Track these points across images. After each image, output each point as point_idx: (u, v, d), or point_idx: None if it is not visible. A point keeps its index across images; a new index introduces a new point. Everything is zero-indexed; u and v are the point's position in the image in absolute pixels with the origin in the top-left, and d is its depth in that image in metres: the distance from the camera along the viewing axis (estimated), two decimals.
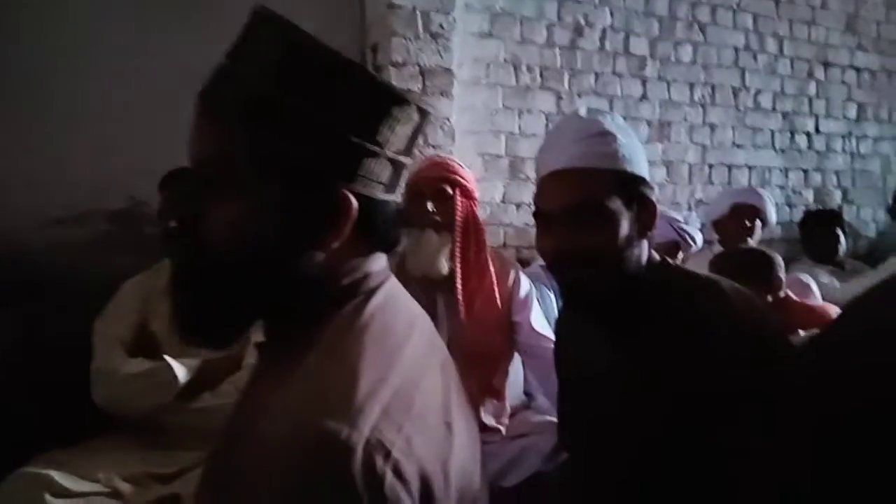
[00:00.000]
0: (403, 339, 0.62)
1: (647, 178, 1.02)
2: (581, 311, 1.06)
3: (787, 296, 1.88)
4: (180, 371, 1.54)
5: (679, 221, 2.31)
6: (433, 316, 1.74)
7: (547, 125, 2.66)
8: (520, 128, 2.61)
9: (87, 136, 1.95)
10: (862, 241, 3.51)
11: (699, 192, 3.04)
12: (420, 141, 2.10)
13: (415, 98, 0.63)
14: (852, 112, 3.46)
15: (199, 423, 1.54)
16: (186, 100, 0.62)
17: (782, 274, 1.86)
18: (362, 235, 0.62)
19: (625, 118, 2.84)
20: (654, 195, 1.03)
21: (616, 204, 0.96)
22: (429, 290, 1.72)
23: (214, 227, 0.58)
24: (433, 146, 2.22)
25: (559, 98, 2.69)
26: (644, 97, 2.88)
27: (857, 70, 3.45)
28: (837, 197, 3.46)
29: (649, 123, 2.90)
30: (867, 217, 3.56)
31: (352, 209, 0.59)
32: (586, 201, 0.96)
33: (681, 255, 2.38)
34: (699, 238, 2.39)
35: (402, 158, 0.64)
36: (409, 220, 1.74)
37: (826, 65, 3.35)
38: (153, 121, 1.82)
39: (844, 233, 2.88)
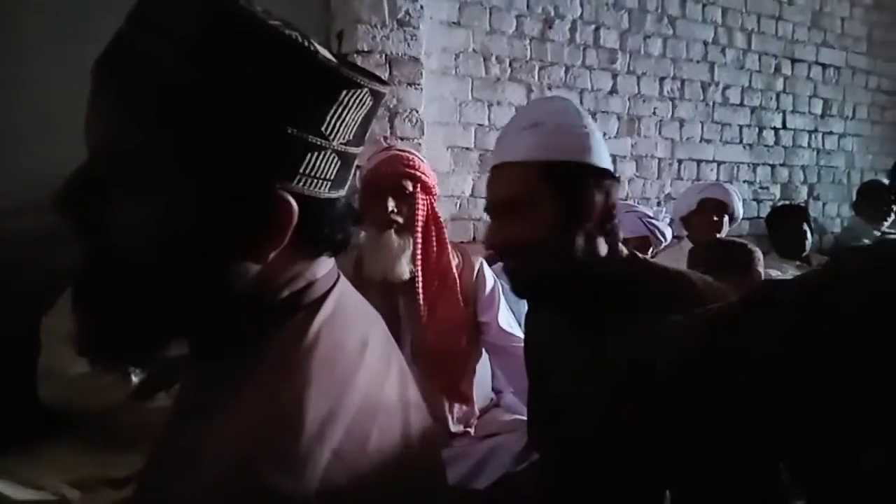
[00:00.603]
0: (356, 360, 0.53)
1: (599, 163, 0.98)
2: (528, 300, 1.08)
3: None
4: (133, 370, 1.47)
5: (648, 216, 2.29)
6: (395, 320, 1.68)
7: None
8: (489, 120, 2.56)
9: (25, 122, 1.83)
10: (827, 237, 3.55)
11: (668, 187, 3.03)
12: (375, 128, 2.07)
13: (366, 79, 0.52)
14: (818, 108, 3.50)
15: (154, 423, 1.47)
16: None
17: (761, 268, 1.85)
18: (304, 239, 0.53)
19: (595, 112, 2.81)
20: (605, 183, 0.98)
21: (544, 195, 0.95)
22: (389, 293, 1.66)
23: (116, 231, 0.48)
24: (401, 138, 2.15)
25: (529, 90, 2.65)
26: (614, 91, 2.85)
27: (823, 66, 3.49)
28: (804, 192, 3.49)
29: (619, 117, 2.88)
30: (832, 212, 3.61)
31: (292, 214, 0.49)
32: (512, 195, 0.97)
33: (651, 250, 2.36)
34: (668, 233, 2.37)
35: (352, 149, 0.54)
36: (366, 219, 1.67)
37: (793, 61, 3.38)
38: None
39: (811, 228, 2.91)
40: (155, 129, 0.46)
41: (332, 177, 0.53)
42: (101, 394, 1.46)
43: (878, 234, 3.15)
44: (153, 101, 0.45)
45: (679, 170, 3.06)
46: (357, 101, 0.52)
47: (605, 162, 0.99)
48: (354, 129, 0.54)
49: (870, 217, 3.21)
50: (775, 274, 2.24)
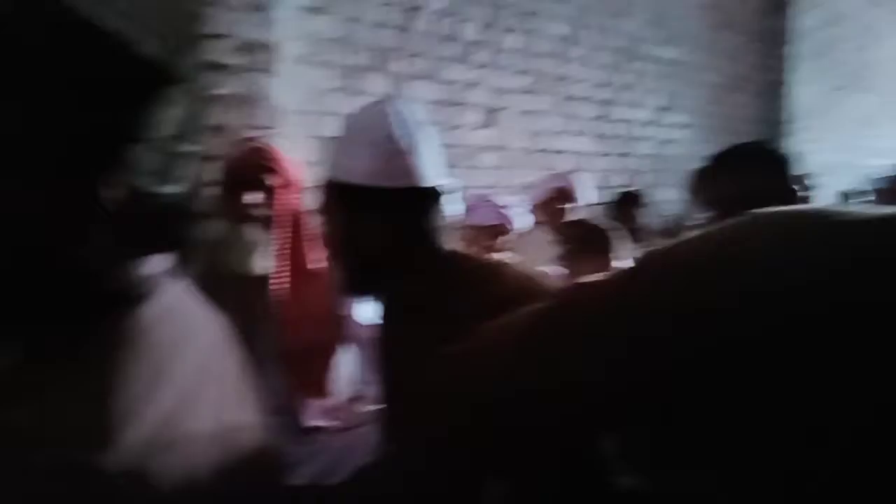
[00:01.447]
0: (173, 356, 0.55)
1: (429, 183, 1.04)
2: (349, 296, 1.19)
3: None
4: None
5: (501, 206, 2.43)
6: (252, 314, 1.66)
7: None
8: (353, 110, 2.55)
9: None
10: (665, 220, 3.93)
11: (527, 176, 3.20)
12: (232, 119, 2.01)
13: (186, 73, 0.55)
14: (661, 101, 3.83)
15: None
16: None
17: (619, 250, 2.04)
18: (133, 234, 0.53)
19: (457, 104, 2.88)
20: (436, 200, 1.05)
21: (374, 217, 1.01)
22: (247, 286, 1.64)
23: None
24: (258, 128, 2.10)
25: (394, 80, 2.67)
26: (476, 83, 2.95)
27: (665, 62, 3.81)
28: (648, 179, 3.82)
29: (480, 109, 2.98)
30: (669, 198, 3.99)
31: (109, 206, 0.50)
32: (330, 203, 1.04)
33: (504, 238, 2.50)
34: (523, 221, 2.52)
35: (178, 146, 0.55)
36: (224, 212, 1.64)
37: (638, 57, 3.66)
38: None
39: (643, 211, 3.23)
40: None
41: (157, 171, 0.53)
42: None
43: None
44: None
45: (537, 160, 3.24)
46: (174, 96, 0.53)
47: (434, 178, 1.04)
48: (176, 125, 0.54)
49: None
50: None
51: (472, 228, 2.44)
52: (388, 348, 1.21)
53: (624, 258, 2.23)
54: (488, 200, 2.44)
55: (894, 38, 5.35)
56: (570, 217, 2.72)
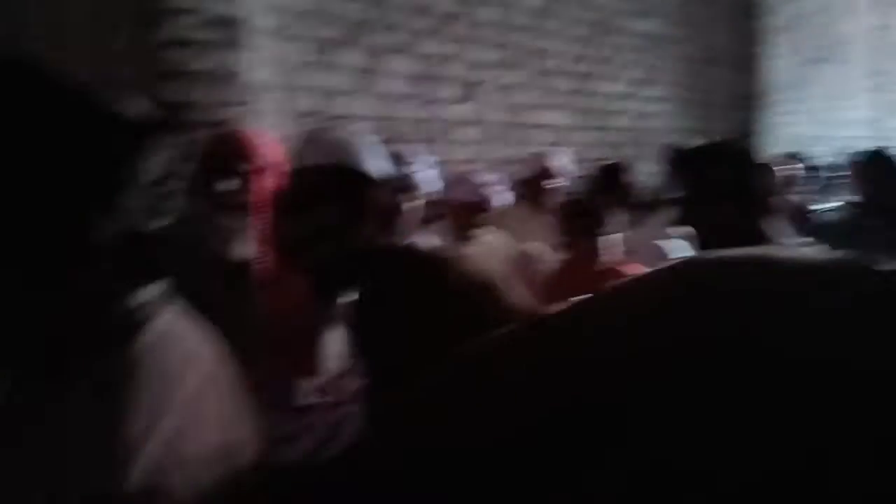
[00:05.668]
0: (176, 382, 0.59)
1: (370, 172, 1.14)
2: (316, 291, 1.24)
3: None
4: None
5: (480, 183, 2.41)
6: (237, 300, 1.65)
7: (359, 82, 2.60)
8: (332, 84, 2.52)
9: None
10: (643, 194, 3.95)
11: (506, 150, 3.19)
12: (201, 97, 1.95)
13: (165, 124, 0.61)
14: (638, 73, 3.82)
15: None
16: None
17: (609, 231, 2.06)
18: (128, 267, 0.60)
19: (435, 78, 2.86)
20: (378, 185, 1.16)
21: (318, 196, 1.11)
22: (229, 273, 1.62)
23: None
24: (228, 104, 2.05)
25: (371, 55, 2.63)
26: (454, 57, 2.92)
27: (641, 35, 3.80)
28: (625, 153, 3.83)
29: (459, 83, 2.95)
30: (647, 171, 4.01)
31: (104, 247, 0.57)
32: (291, 195, 1.16)
33: (483, 214, 2.49)
34: (503, 197, 2.51)
35: (164, 185, 0.62)
36: (200, 199, 1.61)
37: (614, 30, 3.64)
38: None
39: (626, 184, 3.24)
40: None
41: (147, 209, 0.60)
42: None
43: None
44: None
45: (515, 134, 3.22)
46: (157, 144, 0.59)
47: (373, 169, 1.16)
48: (162, 167, 0.61)
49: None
50: (663, 246, 2.40)
51: (451, 206, 2.43)
52: (358, 333, 1.24)
53: (615, 234, 2.25)
54: (467, 177, 2.43)
55: (867, 11, 5.40)
56: (552, 193, 2.72)
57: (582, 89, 3.52)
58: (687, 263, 0.49)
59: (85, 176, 0.56)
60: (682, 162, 1.69)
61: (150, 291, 0.63)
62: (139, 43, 2.00)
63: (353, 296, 1.23)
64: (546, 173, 2.75)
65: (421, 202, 2.22)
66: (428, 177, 2.24)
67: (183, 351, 0.62)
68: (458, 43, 2.92)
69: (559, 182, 2.79)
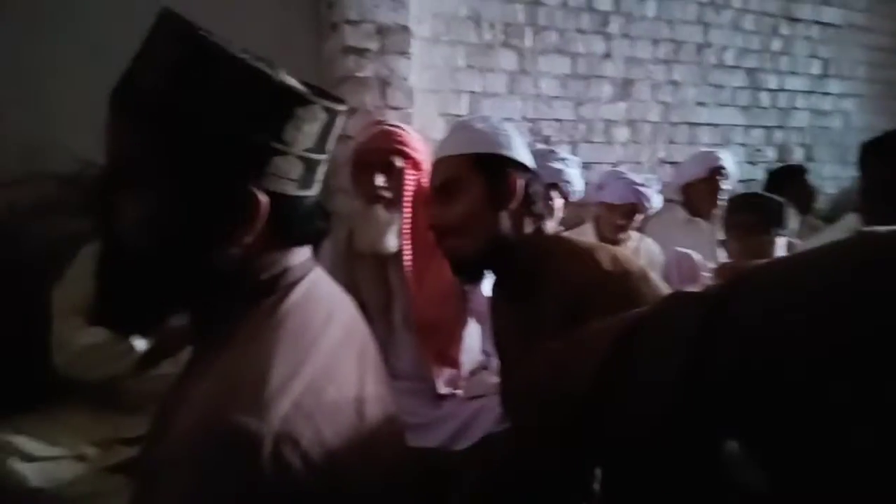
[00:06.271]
0: (319, 334, 0.63)
1: (517, 157, 1.17)
2: (457, 276, 1.23)
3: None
4: (138, 341, 1.55)
5: (636, 183, 2.33)
6: (385, 290, 1.76)
7: (509, 84, 2.64)
8: (483, 87, 2.58)
9: (22, 94, 1.87)
10: (823, 199, 3.58)
11: (662, 151, 3.05)
12: (366, 100, 2.09)
13: (320, 98, 0.63)
14: (815, 68, 3.47)
15: (160, 388, 1.56)
16: (130, 53, 0.62)
17: (791, 226, 1.95)
18: (279, 231, 0.63)
19: (588, 76, 2.83)
20: (524, 174, 1.17)
21: (470, 181, 1.13)
22: (379, 264, 1.73)
23: (125, 222, 0.61)
24: (391, 107, 2.18)
25: (521, 56, 2.65)
26: (607, 55, 2.85)
27: (822, 25, 3.45)
28: (799, 154, 3.50)
29: (613, 81, 2.88)
30: (828, 174, 3.62)
31: (260, 206, 0.60)
32: (444, 182, 1.16)
33: (640, 216, 2.41)
34: (657, 200, 2.41)
35: (314, 156, 0.64)
36: (356, 192, 1.73)
37: (791, 20, 3.34)
38: (97, 76, 1.75)
39: (812, 190, 2.97)
40: (148, 142, 0.58)
41: (298, 178, 0.63)
42: (109, 363, 1.55)
43: None
44: (149, 120, 0.58)
45: (673, 134, 3.08)
46: (311, 115, 0.62)
47: (521, 156, 1.17)
48: (314, 138, 0.63)
49: None
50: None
51: (604, 206, 2.38)
52: (497, 327, 1.26)
53: (791, 238, 2.06)
54: (622, 176, 2.36)
55: None
56: (714, 197, 2.56)
57: (750, 85, 3.27)
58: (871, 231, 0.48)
59: (242, 138, 0.59)
60: (870, 157, 1.52)
61: (299, 256, 0.68)
62: (316, 52, 2.21)
63: (492, 284, 1.25)
64: (708, 175, 2.60)
65: (564, 200, 2.22)
66: (574, 175, 2.22)
67: (324, 310, 0.67)
68: (613, 40, 2.85)
69: (723, 185, 2.62)
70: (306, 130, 0.62)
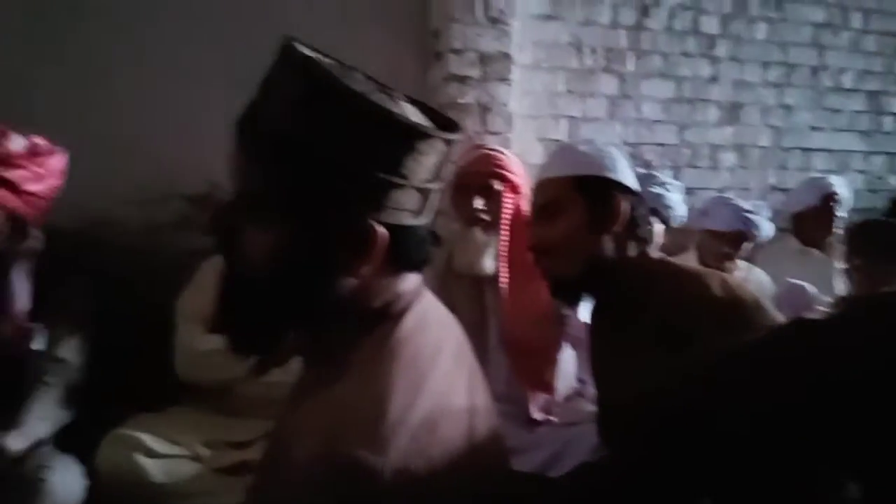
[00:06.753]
0: (431, 365, 0.64)
1: (621, 179, 1.16)
2: (557, 298, 1.24)
3: None
4: None
5: (745, 210, 2.23)
6: (481, 311, 1.78)
7: (610, 109, 2.62)
8: (582, 112, 2.58)
9: (168, 124, 2.05)
10: None
11: (772, 177, 2.91)
12: (467, 124, 2.14)
13: (440, 131, 0.63)
14: None
15: (269, 394, 1.65)
16: (256, 87, 0.64)
17: None
18: (392, 259, 0.64)
19: (692, 100, 2.77)
20: (629, 196, 1.16)
21: (573, 203, 1.13)
22: (476, 285, 1.75)
23: (250, 251, 0.62)
24: (491, 132, 2.22)
25: (623, 80, 2.63)
26: (714, 78, 2.77)
27: None
28: None
29: (719, 105, 2.79)
30: None
31: (380, 239, 0.61)
32: (546, 203, 1.17)
33: (747, 245, 2.30)
34: (767, 228, 2.30)
35: (430, 185, 0.65)
36: (455, 214, 1.76)
37: None
38: (230, 108, 1.90)
39: None
40: (272, 175, 0.60)
41: (414, 208, 0.64)
42: (224, 368, 1.65)
43: None
44: (272, 153, 0.59)
45: (785, 159, 2.93)
46: (430, 147, 0.62)
47: (626, 179, 1.16)
48: (431, 169, 0.64)
49: None
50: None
51: (708, 233, 2.29)
52: (596, 351, 1.24)
53: None
54: (729, 202, 2.27)
55: None
56: (829, 225, 2.42)
57: (872, 109, 3.07)
58: None
59: (364, 174, 0.59)
60: None
61: (410, 282, 0.68)
62: (422, 80, 2.29)
63: (591, 307, 1.24)
64: (821, 203, 2.46)
65: (664, 225, 2.16)
66: (676, 200, 2.16)
67: (435, 338, 0.67)
68: (720, 64, 2.77)
69: (837, 212, 2.47)
70: (425, 163, 0.63)
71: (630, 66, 2.63)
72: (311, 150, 0.58)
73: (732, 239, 2.23)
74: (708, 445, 0.62)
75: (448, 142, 0.64)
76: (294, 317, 0.65)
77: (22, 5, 2.00)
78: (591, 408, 1.80)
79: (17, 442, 1.43)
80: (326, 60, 0.64)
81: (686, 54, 2.72)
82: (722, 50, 2.77)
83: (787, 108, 2.90)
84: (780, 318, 1.00)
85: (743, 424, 0.58)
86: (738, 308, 0.98)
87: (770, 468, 0.54)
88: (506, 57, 2.24)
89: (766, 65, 2.85)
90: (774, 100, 2.88)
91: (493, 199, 1.74)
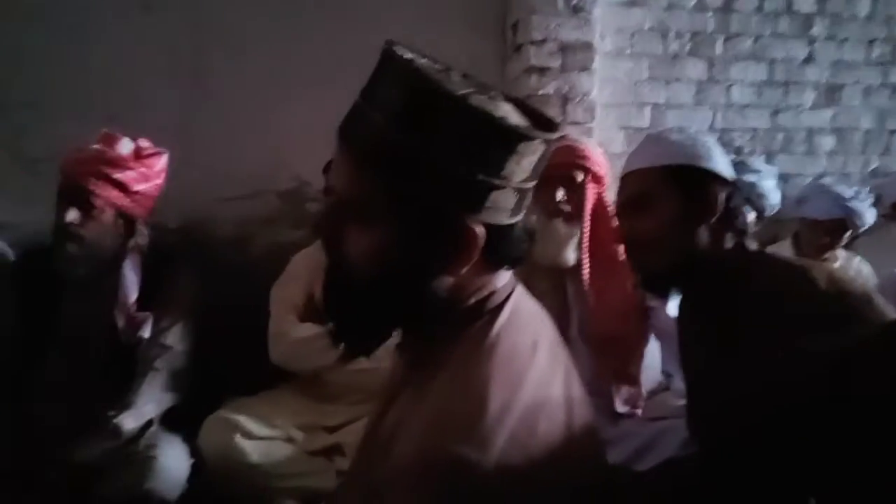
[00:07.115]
0: (528, 360, 0.64)
1: (715, 169, 1.12)
2: (649, 291, 1.23)
3: None
4: None
5: (845, 198, 2.10)
6: (563, 302, 1.76)
7: (697, 94, 2.53)
8: (665, 98, 2.50)
9: (260, 124, 2.15)
10: None
11: (875, 161, 2.72)
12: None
13: (540, 131, 0.63)
14: None
15: (357, 381, 1.73)
16: (343, 86, 0.66)
17: None
18: (488, 257, 0.64)
19: (787, 83, 2.63)
20: (724, 186, 1.12)
21: (664, 194, 1.10)
22: (558, 277, 1.73)
23: (353, 253, 0.64)
24: (572, 123, 2.20)
25: (711, 65, 2.53)
26: (810, 59, 2.62)
27: None
28: None
29: (815, 87, 2.64)
30: None
31: (478, 239, 0.61)
32: (636, 195, 1.14)
33: (849, 233, 2.17)
34: (870, 216, 2.15)
35: (527, 185, 0.65)
36: (537, 206, 1.74)
37: None
38: (317, 107, 1.96)
39: None
40: (376, 178, 0.61)
41: (511, 207, 0.64)
42: (315, 356, 1.73)
43: None
44: (375, 157, 0.60)
45: (891, 143, 2.74)
46: (530, 148, 0.62)
47: (721, 168, 1.11)
48: (529, 169, 0.64)
49: None
50: None
51: (806, 222, 2.18)
52: (685, 344, 1.20)
53: None
54: (828, 189, 2.14)
55: None
56: None
57: None
58: None
59: (465, 178, 0.59)
60: None
61: (503, 278, 0.69)
62: (501, 72, 2.30)
63: (680, 299, 1.20)
64: None
65: (757, 215, 2.06)
66: (770, 188, 2.06)
67: (530, 333, 0.67)
68: (816, 44, 2.62)
69: None
70: (524, 164, 0.63)
71: (718, 49, 2.53)
72: (414, 156, 0.59)
73: (832, 228, 2.12)
74: (829, 441, 0.60)
75: (547, 142, 0.64)
76: (397, 315, 0.67)
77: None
78: (677, 402, 1.75)
79: (129, 422, 1.54)
80: (423, 61, 0.64)
81: (778, 35, 2.58)
82: (819, 29, 2.61)
83: (893, 87, 2.71)
84: (892, 311, 0.95)
85: (872, 420, 0.56)
86: (845, 302, 0.93)
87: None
88: (587, 46, 2.20)
89: (869, 43, 2.66)
90: (877, 79, 2.69)
91: (575, 191, 1.72)
